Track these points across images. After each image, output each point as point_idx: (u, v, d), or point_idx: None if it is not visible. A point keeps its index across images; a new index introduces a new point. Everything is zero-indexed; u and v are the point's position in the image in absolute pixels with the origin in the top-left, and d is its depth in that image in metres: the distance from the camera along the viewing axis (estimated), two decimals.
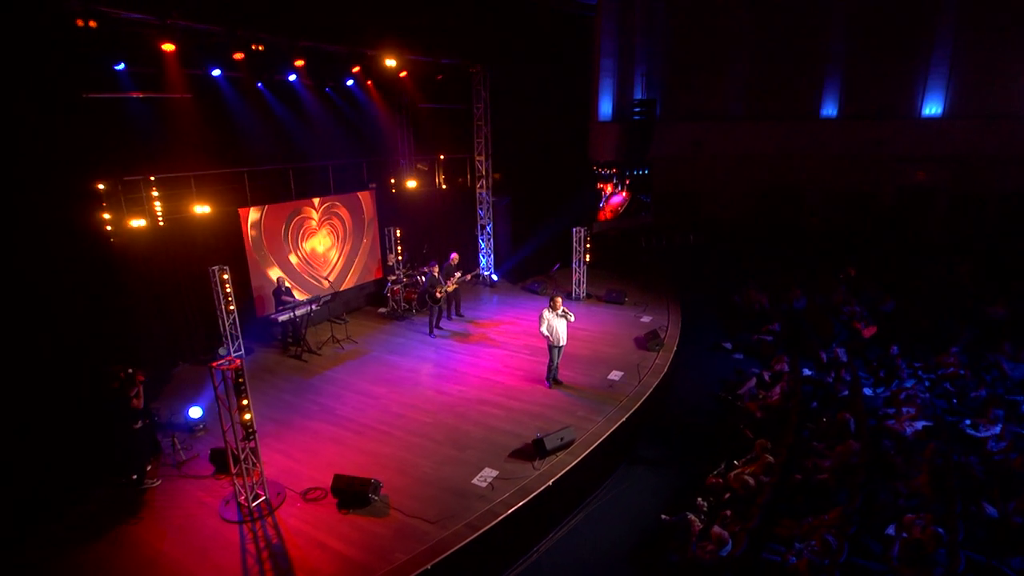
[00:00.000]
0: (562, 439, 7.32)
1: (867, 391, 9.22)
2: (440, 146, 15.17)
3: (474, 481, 6.83)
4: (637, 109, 16.01)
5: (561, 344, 8.84)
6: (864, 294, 13.10)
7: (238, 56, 9.11)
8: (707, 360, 11.87)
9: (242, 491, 6.39)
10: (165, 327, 9.92)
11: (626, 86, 16.63)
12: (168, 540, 6.04)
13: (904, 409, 8.01)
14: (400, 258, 13.73)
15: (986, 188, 15.23)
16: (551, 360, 8.99)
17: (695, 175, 18.33)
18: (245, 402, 6.10)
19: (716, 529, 5.85)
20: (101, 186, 8.29)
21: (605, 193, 16.47)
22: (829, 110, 17.17)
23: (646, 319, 12.31)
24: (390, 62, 11.53)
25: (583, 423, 8.06)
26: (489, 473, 6.97)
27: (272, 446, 7.67)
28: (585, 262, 13.72)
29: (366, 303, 13.52)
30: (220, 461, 7.01)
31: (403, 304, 12.87)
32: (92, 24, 7.03)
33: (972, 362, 9.50)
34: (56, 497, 6.46)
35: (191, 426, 8.03)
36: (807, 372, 10.10)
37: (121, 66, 9.10)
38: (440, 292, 11.35)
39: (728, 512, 6.27)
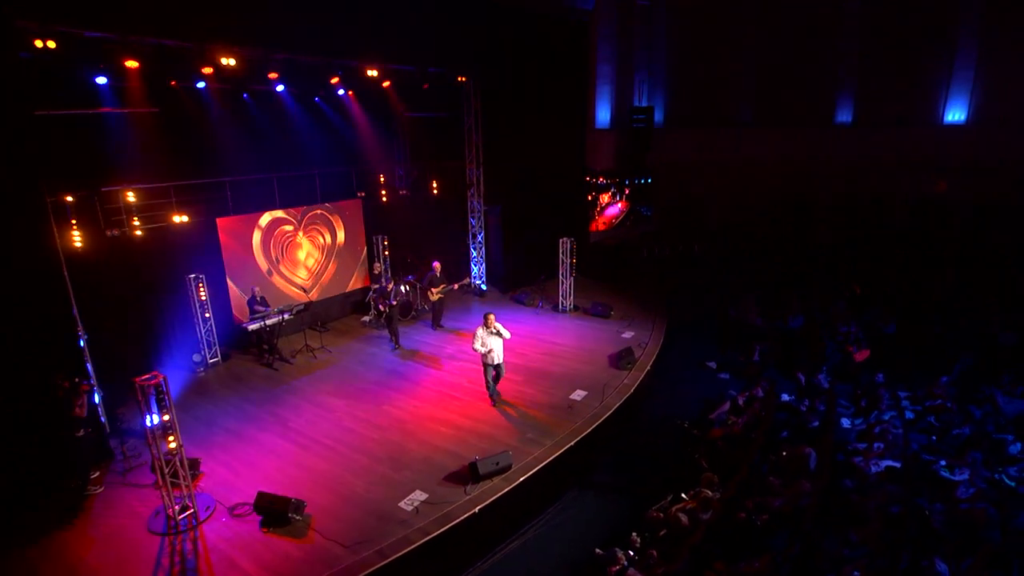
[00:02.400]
0: (497, 464, 7.12)
1: (844, 422, 8.62)
2: (431, 154, 15.13)
3: (401, 504, 6.71)
4: (636, 116, 15.57)
5: (496, 362, 8.69)
6: (867, 313, 12.32)
7: (207, 70, 9.27)
8: (691, 380, 11.37)
9: (170, 504, 6.46)
10: (143, 333, 10.19)
11: (624, 93, 16.20)
12: (93, 550, 6.17)
13: (876, 445, 7.44)
14: (388, 267, 13.86)
15: (1013, 199, 14.07)
16: (486, 377, 8.85)
17: (701, 183, 17.71)
18: (167, 417, 6.20)
19: (632, 572, 5.54)
20: (69, 198, 8.58)
21: (601, 203, 16.08)
22: (844, 116, 16.27)
23: (628, 335, 11.92)
24: (371, 73, 11.57)
25: (529, 446, 7.84)
26: (418, 496, 6.84)
27: (217, 457, 7.78)
28: (572, 273, 13.42)
29: (351, 311, 13.59)
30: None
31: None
32: (50, 44, 7.28)
33: (965, 394, 8.75)
34: (5, 500, 6.67)
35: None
36: (786, 398, 9.54)
37: (103, 80, 9.43)
38: (384, 306, 11.25)
39: (654, 552, 5.93)
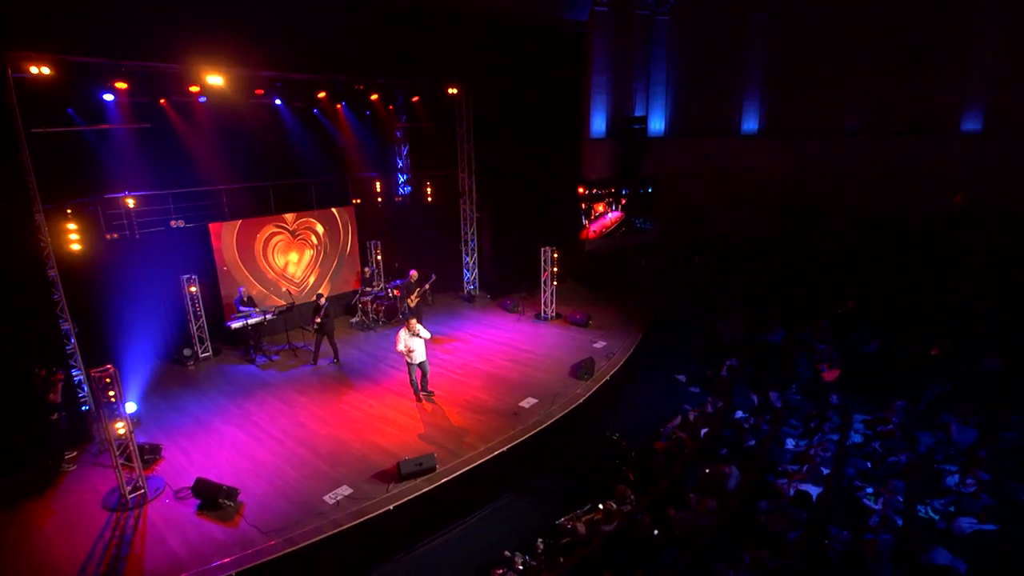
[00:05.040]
0: (420, 465, 7.48)
1: (789, 443, 8.45)
2: (426, 162, 15.65)
3: (325, 497, 7.17)
4: (632, 126, 15.54)
5: (419, 361, 9.24)
6: (855, 330, 11.88)
7: (195, 88, 10.09)
8: (660, 392, 11.32)
9: (123, 484, 7.18)
10: (139, 329, 11.12)
11: (620, 102, 16.14)
12: (51, 520, 6.96)
13: (805, 467, 7.31)
14: (379, 271, 14.49)
15: None
16: (411, 375, 9.38)
17: (705, 192, 17.44)
18: (119, 420, 6.90)
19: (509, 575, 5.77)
20: (70, 207, 9.57)
21: (595, 212, 16.12)
22: (853, 125, 15.63)
23: (599, 345, 12.00)
24: (360, 87, 12.17)
25: (464, 450, 8.14)
26: (343, 491, 7.28)
27: (180, 444, 8.51)
28: (553, 282, 13.58)
29: (342, 312, 14.23)
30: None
31: (371, 316, 13.51)
32: (45, 70, 8.19)
33: (923, 420, 8.38)
34: None
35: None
36: (739, 415, 9.42)
37: (111, 97, 10.41)
38: (312, 325, 11.03)
39: (543, 556, 6.13)
